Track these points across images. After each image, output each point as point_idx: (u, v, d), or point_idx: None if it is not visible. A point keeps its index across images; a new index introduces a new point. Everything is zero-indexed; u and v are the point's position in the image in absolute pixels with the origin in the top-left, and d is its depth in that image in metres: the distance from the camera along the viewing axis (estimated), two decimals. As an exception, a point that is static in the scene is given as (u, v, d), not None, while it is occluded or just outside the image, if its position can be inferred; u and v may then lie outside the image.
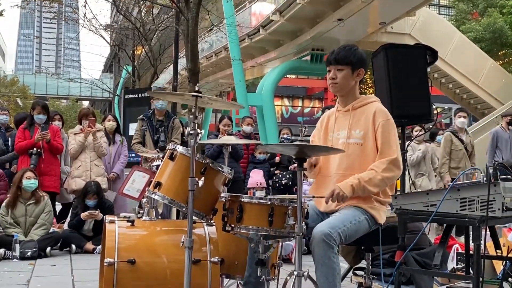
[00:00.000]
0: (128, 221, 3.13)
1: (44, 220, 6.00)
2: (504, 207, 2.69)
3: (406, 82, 4.77)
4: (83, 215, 6.08)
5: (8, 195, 6.17)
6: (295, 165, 2.85)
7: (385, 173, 2.98)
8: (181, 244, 2.77)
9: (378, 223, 3.05)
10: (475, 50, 20.69)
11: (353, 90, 3.19)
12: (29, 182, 5.93)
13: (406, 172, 5.13)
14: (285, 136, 8.18)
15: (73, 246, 6.03)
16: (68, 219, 6.48)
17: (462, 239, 3.91)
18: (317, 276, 2.80)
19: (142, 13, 20.03)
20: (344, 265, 3.76)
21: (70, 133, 7.26)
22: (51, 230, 6.17)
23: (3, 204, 5.99)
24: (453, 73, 19.73)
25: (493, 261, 3.95)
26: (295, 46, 20.53)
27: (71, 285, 4.50)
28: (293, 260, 4.43)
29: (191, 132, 2.80)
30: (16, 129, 7.32)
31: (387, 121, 3.07)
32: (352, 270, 4.10)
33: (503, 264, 3.43)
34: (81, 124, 7.08)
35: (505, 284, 3.48)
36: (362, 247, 3.38)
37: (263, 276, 2.92)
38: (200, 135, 2.83)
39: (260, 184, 6.99)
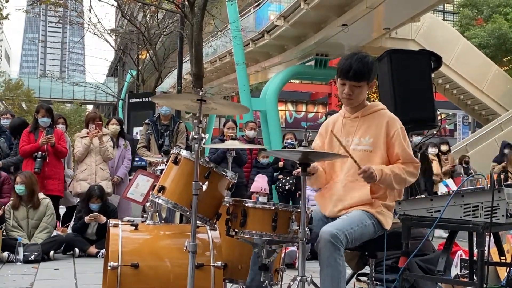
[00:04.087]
0: (131, 225, 3.14)
1: (47, 223, 6.01)
2: (508, 214, 2.69)
3: (411, 87, 4.77)
4: (86, 218, 6.10)
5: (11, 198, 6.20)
6: (299, 170, 2.86)
7: (409, 176, 3.05)
8: (185, 248, 2.77)
9: (384, 228, 3.05)
10: (479, 56, 20.66)
11: (364, 99, 3.24)
12: (17, 186, 5.94)
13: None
14: (289, 141, 8.18)
15: (77, 250, 6.04)
16: (72, 222, 6.50)
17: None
18: (321, 277, 2.79)
19: (147, 18, 20.11)
20: (347, 270, 3.75)
21: (77, 136, 7.28)
22: (54, 234, 6.18)
23: (7, 206, 6.01)
24: (458, 79, 19.70)
25: (497, 267, 3.94)
26: (299, 51, 20.54)
27: (74, 288, 4.51)
28: (296, 266, 4.42)
29: (195, 136, 2.81)
30: (11, 135, 7.33)
31: (402, 129, 3.12)
32: (355, 275, 4.09)
33: (507, 270, 3.42)
34: (87, 128, 7.10)
35: (509, 290, 3.46)
36: (366, 253, 3.37)
37: (266, 281, 2.92)
38: (204, 139, 2.84)
39: (264, 190, 6.99)
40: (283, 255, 3.35)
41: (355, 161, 2.95)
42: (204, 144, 2.88)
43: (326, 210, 3.15)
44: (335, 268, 2.75)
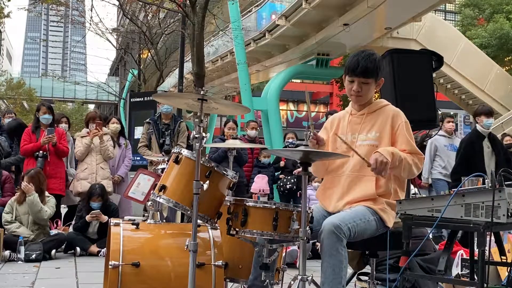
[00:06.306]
0: (133, 224, 3.14)
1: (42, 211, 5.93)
2: (509, 213, 2.69)
3: (412, 87, 4.77)
4: (87, 216, 6.11)
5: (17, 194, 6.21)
6: (300, 169, 2.85)
7: (414, 166, 3.04)
8: (186, 247, 2.77)
9: (386, 226, 3.05)
10: (481, 56, 20.63)
11: (372, 96, 3.25)
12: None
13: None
14: (290, 140, 8.19)
15: (78, 249, 6.05)
16: (73, 221, 6.50)
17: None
18: (323, 267, 2.77)
19: (148, 17, 20.12)
20: (348, 270, 3.76)
21: (77, 136, 7.29)
22: (55, 232, 6.19)
23: (11, 200, 6.01)
24: (459, 79, 19.68)
25: (498, 267, 3.94)
26: (301, 51, 20.54)
27: (75, 287, 4.51)
28: (297, 265, 4.43)
29: (196, 135, 2.81)
30: (8, 136, 7.34)
31: (406, 122, 3.13)
32: (356, 275, 4.09)
33: (508, 270, 3.42)
34: (88, 127, 7.11)
35: (509, 290, 3.46)
36: (367, 252, 3.37)
37: (267, 280, 2.92)
38: (205, 138, 2.84)
39: (263, 191, 6.97)
40: (284, 254, 3.35)
41: (363, 158, 2.92)
42: (205, 143, 2.88)
43: (330, 205, 3.12)
44: (337, 258, 2.74)
